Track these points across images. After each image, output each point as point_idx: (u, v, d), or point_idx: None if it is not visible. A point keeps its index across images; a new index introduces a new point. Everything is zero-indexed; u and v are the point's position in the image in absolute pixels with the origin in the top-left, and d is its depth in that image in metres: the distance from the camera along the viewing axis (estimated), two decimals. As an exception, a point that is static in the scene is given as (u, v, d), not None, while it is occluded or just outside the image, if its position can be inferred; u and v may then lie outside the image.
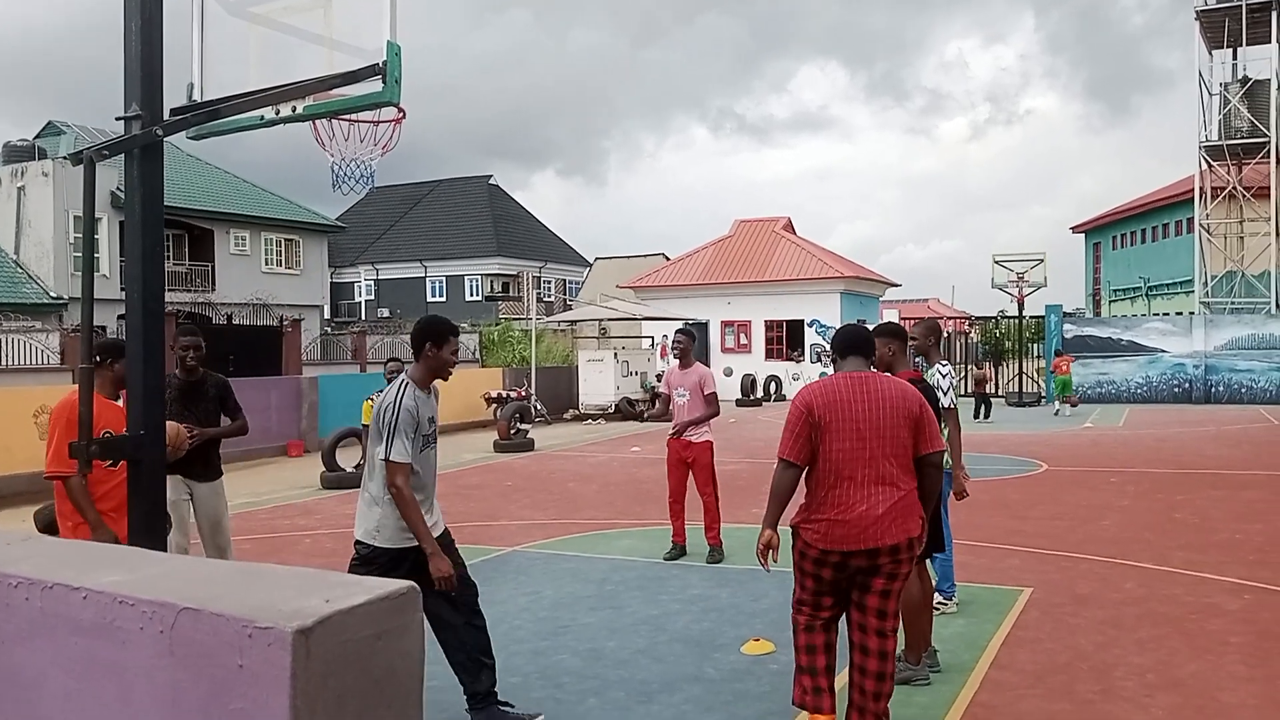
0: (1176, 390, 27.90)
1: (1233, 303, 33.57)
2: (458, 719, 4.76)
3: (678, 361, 8.49)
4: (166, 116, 4.16)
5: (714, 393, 8.33)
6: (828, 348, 5.07)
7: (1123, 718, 4.70)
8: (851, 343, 4.36)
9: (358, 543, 4.58)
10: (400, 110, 4.90)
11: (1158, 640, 5.88)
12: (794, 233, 36.90)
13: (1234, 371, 27.60)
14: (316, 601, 1.24)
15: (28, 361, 19.95)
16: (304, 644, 1.18)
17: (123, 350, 4.95)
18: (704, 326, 32.97)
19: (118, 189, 27.63)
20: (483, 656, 4.66)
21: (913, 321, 7.74)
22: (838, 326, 5.30)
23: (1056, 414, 23.82)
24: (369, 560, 4.51)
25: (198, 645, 1.26)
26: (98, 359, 4.84)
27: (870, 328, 4.82)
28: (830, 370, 4.43)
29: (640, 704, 4.97)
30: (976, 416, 22.70)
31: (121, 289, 4.33)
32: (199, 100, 4.24)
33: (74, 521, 4.92)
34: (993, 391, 25.91)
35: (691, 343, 8.54)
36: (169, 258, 34.30)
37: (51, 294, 29.78)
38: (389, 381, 7.35)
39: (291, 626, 1.18)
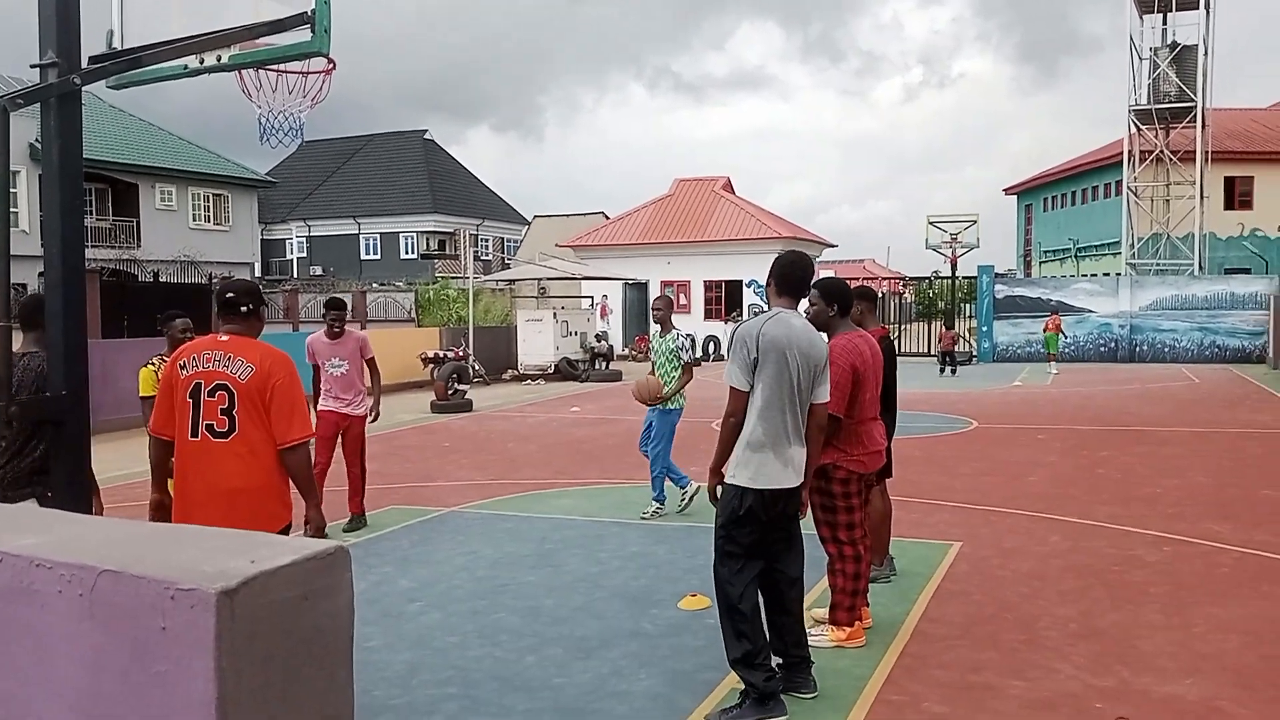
0: (1103, 349, 28.63)
1: (1158, 264, 34.43)
2: (395, 679, 4.76)
3: (326, 335, 8.00)
4: (84, 64, 4.00)
5: (374, 357, 8.19)
6: (811, 295, 5.33)
7: (1045, 665, 4.85)
8: (848, 298, 5.26)
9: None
10: (330, 61, 4.77)
11: (1080, 591, 6.07)
12: (733, 192, 36.95)
13: (1158, 331, 28.38)
14: (241, 562, 1.22)
15: (-56, 320, 19.27)
16: (228, 605, 1.16)
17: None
18: (643, 286, 32.96)
19: (36, 141, 26.63)
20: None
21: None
22: (822, 279, 5.49)
23: (1049, 371, 24.72)
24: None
25: (118, 608, 1.23)
26: (248, 307, 4.23)
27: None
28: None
29: (578, 660, 5.01)
30: (942, 373, 23.95)
31: (42, 245, 4.16)
32: (119, 48, 4.08)
33: (281, 503, 4.14)
34: (960, 350, 26.85)
35: (344, 314, 8.12)
36: (91, 212, 33.26)
37: (-33, 250, 28.70)
38: (176, 344, 6.07)
39: (215, 588, 1.16)
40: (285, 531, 4.14)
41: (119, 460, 11.15)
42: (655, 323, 8.57)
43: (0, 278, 4.00)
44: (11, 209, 4.31)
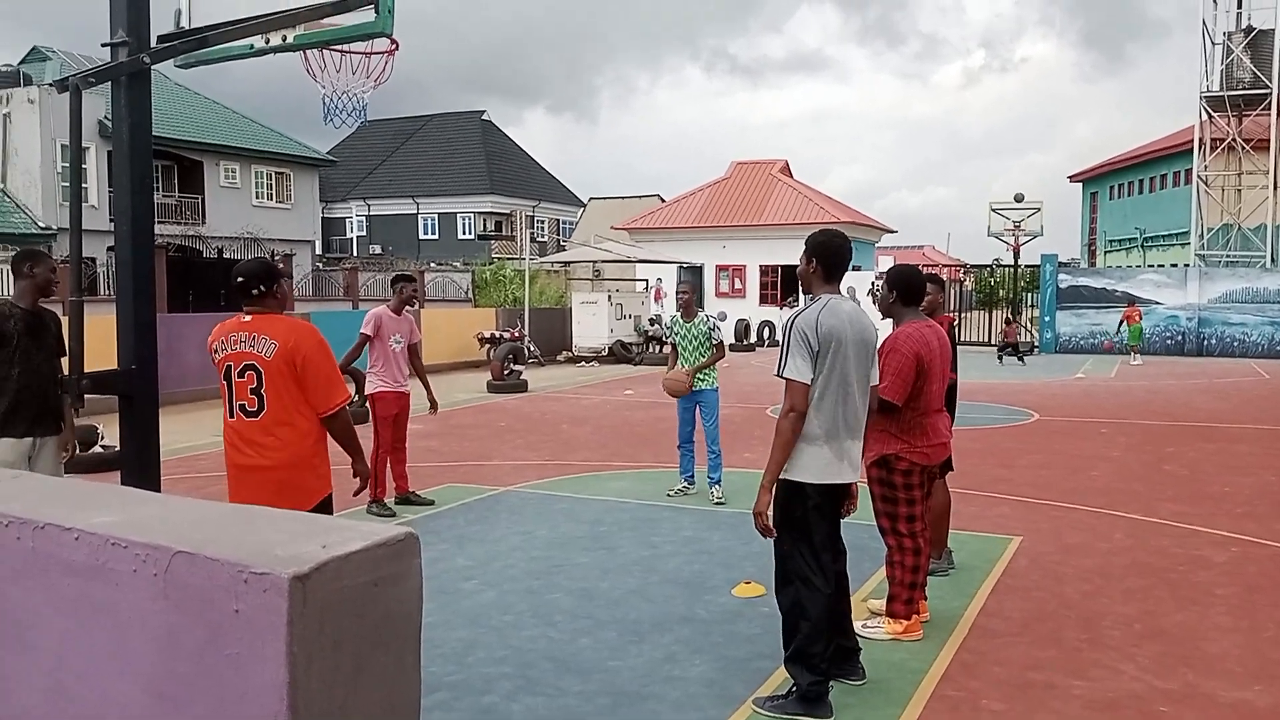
0: (1169, 342, 27.95)
1: (1228, 255, 33.50)
2: (450, 655, 4.80)
3: (391, 309, 8.10)
4: (154, 43, 4.05)
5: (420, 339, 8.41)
6: (879, 285, 5.55)
7: (1108, 665, 4.75)
8: (913, 288, 5.15)
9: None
10: (393, 41, 4.79)
11: (1144, 591, 5.93)
12: (791, 176, 36.62)
13: (1227, 325, 27.63)
14: (313, 547, 1.22)
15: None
16: (300, 590, 1.15)
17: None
18: (699, 270, 32.85)
19: (105, 118, 27.18)
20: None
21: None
22: (893, 267, 5.50)
23: (1133, 363, 24.26)
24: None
25: (193, 589, 1.23)
26: (259, 290, 4.21)
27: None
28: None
29: (632, 644, 5.01)
30: (1001, 361, 24.07)
31: (110, 220, 4.23)
32: (187, 27, 4.13)
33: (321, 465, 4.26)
34: (1022, 341, 26.60)
35: (413, 289, 8.35)
36: (158, 189, 33.93)
37: (39, 224, 29.45)
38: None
39: (288, 572, 1.15)
40: (325, 505, 4.20)
41: (185, 432, 11.39)
42: (679, 307, 8.55)
43: (74, 253, 4.08)
44: (82, 185, 4.39)
